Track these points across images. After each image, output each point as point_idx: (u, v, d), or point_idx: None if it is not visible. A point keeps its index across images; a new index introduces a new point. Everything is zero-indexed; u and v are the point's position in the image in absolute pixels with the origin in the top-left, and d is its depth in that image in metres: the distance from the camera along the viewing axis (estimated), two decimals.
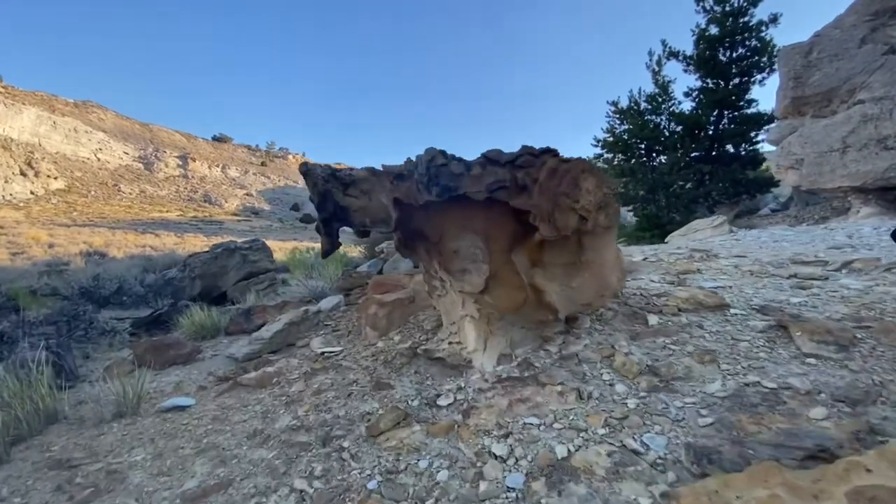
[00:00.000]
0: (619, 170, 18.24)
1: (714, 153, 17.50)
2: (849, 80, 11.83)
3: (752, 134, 16.94)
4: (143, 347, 5.27)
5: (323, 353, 4.68)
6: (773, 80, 17.71)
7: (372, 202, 2.82)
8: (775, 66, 17.42)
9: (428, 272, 4.10)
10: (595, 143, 19.73)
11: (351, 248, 14.95)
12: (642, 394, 2.45)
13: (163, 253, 19.58)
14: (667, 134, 18.08)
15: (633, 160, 19.11)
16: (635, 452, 1.98)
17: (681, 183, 18.06)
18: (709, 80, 18.46)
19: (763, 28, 17.72)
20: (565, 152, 2.33)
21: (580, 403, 2.48)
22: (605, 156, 20.12)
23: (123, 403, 3.78)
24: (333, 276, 7.87)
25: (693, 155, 17.53)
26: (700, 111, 17.30)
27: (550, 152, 2.26)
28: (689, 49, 18.54)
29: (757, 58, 17.66)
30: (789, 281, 4.13)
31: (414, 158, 2.53)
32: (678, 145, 17.88)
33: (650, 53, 19.39)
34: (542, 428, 2.32)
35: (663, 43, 19.22)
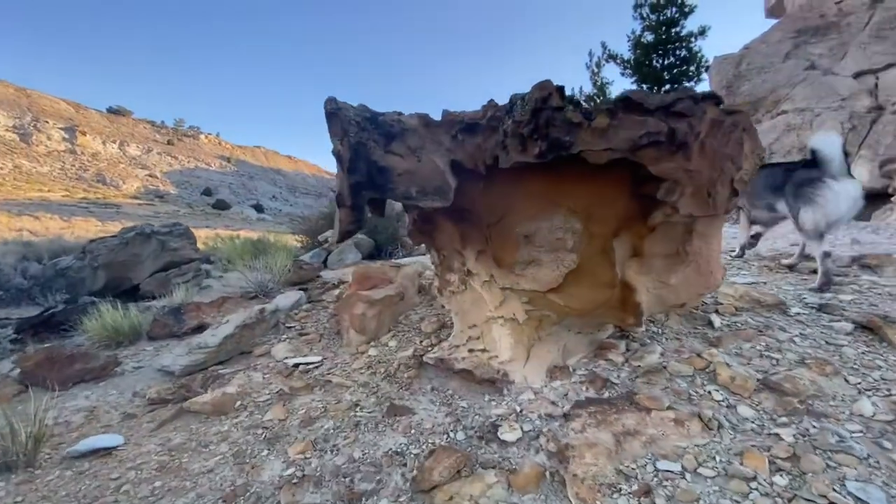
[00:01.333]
0: None
1: None
2: (774, 92, 12.86)
3: None
4: (33, 360, 3.86)
5: (297, 364, 3.70)
6: (702, 88, 19.03)
7: (422, 164, 2.01)
8: (703, 76, 18.64)
9: (443, 263, 3.33)
10: None
11: (282, 235, 13.44)
12: (782, 419, 1.95)
13: (46, 239, 16.27)
14: None
15: None
16: None
17: None
18: (644, 85, 19.30)
19: (692, 39, 18.87)
20: None
21: (712, 436, 1.91)
22: None
23: (11, 450, 2.56)
24: (280, 269, 6.69)
25: None
26: None
27: (713, 98, 1.65)
28: (626, 53, 19.31)
29: (686, 67, 18.79)
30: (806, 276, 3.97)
31: (507, 99, 1.78)
32: None
33: (590, 54, 19.90)
34: (689, 477, 1.71)
35: (603, 45, 19.80)
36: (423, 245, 4.74)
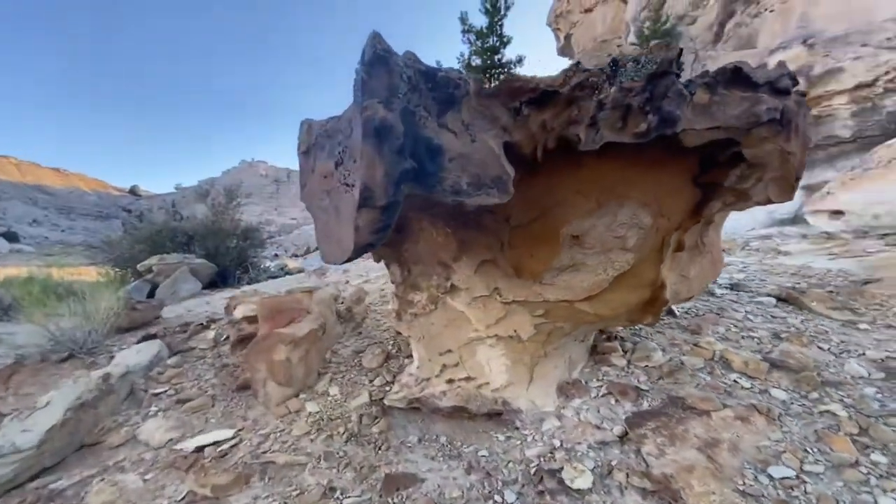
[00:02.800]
0: None
1: None
2: None
3: None
4: None
5: (200, 447, 2.57)
6: None
7: (476, 147, 1.45)
8: None
9: (406, 282, 2.75)
10: None
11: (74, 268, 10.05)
12: (813, 395, 2.06)
13: None
14: None
15: None
16: None
17: None
18: None
19: (512, 66, 21.42)
20: None
21: (779, 427, 1.87)
22: None
23: None
24: (105, 313, 4.86)
25: None
26: None
27: (795, 77, 1.58)
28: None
29: None
30: None
31: (605, 63, 1.39)
32: None
33: None
34: (807, 479, 1.60)
35: (438, 64, 20.94)
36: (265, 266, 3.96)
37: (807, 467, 1.65)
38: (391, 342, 3.51)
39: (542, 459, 2.02)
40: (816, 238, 5.11)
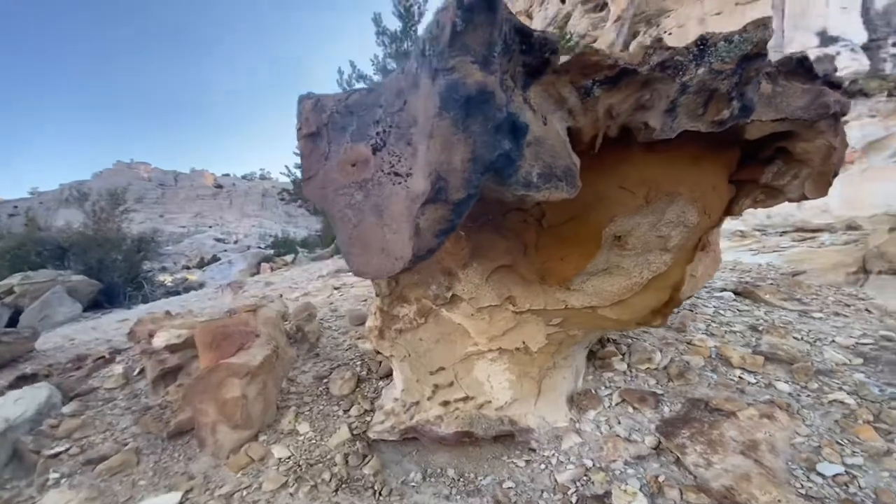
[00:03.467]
0: None
1: None
2: None
3: None
4: None
5: None
6: None
7: (548, 130, 1.19)
8: None
9: (392, 293, 2.42)
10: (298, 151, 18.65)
11: None
12: (813, 385, 2.14)
13: None
14: None
15: None
16: None
17: None
18: None
19: None
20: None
21: (802, 420, 1.90)
22: None
23: None
24: None
25: None
26: None
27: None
28: (373, 75, 20.27)
29: None
30: None
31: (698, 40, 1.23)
32: None
33: (340, 72, 20.08)
34: (856, 473, 1.60)
35: (352, 64, 20.32)
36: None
37: (847, 460, 1.67)
38: (358, 363, 3.10)
39: (578, 484, 1.82)
40: (732, 235, 5.71)
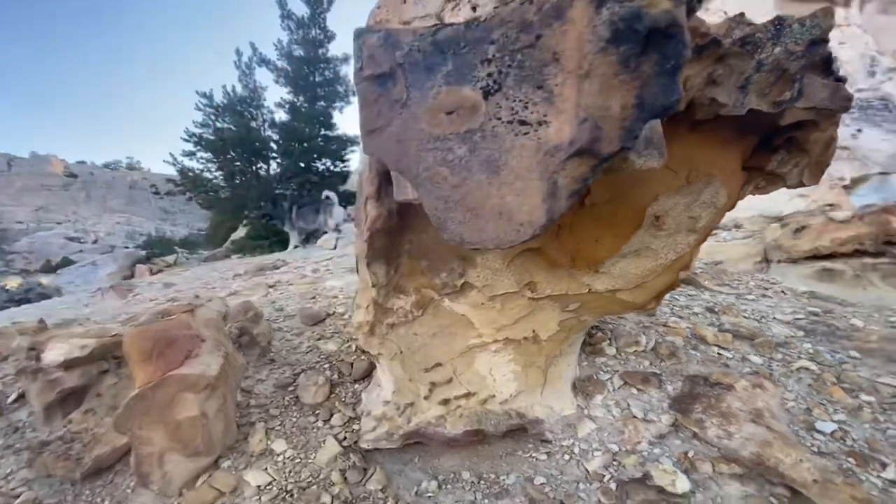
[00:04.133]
0: (227, 172, 16.11)
1: (312, 167, 18.61)
2: None
3: (343, 153, 19.31)
4: None
5: None
6: (352, 109, 21.06)
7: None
8: (350, 99, 20.64)
9: (389, 283, 2.19)
10: (189, 138, 16.55)
11: None
12: (778, 356, 2.40)
13: None
14: (272, 142, 17.71)
15: (238, 163, 17.52)
16: None
17: (285, 192, 18.14)
18: (301, 97, 19.53)
19: (338, 63, 20.54)
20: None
21: (785, 387, 2.11)
22: (201, 154, 17.28)
23: None
24: None
25: (296, 166, 17.90)
26: (298, 124, 17.92)
27: None
28: (277, 60, 18.80)
29: (336, 87, 20.25)
30: None
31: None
32: (279, 154, 17.87)
33: (238, 53, 18.31)
34: (850, 426, 1.80)
35: (253, 47, 18.62)
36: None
37: (835, 417, 1.88)
38: (326, 367, 2.74)
39: (612, 470, 1.79)
40: None
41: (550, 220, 0.94)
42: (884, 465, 1.58)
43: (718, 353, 2.43)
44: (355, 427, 2.28)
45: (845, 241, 3.73)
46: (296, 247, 12.15)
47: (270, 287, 4.34)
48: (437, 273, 2.07)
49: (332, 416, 2.34)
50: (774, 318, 2.87)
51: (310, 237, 13.14)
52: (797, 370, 2.24)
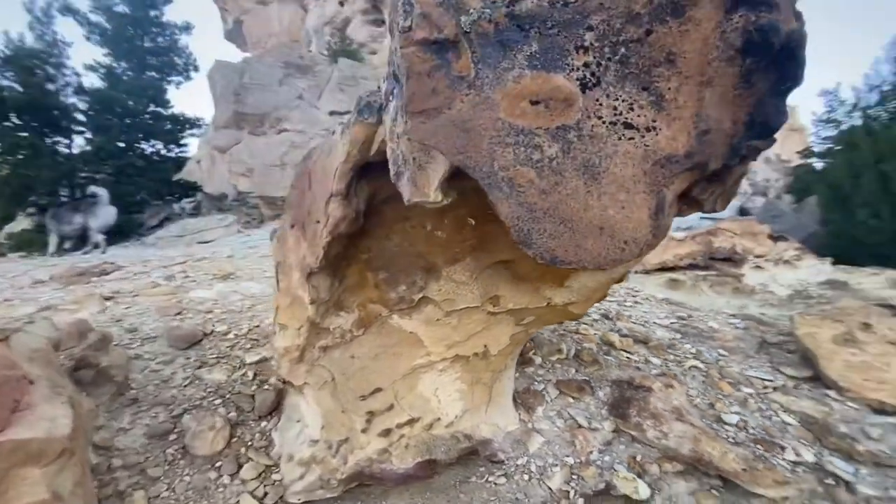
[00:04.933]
0: (8, 144, 12.22)
1: (136, 148, 15.40)
2: (276, 110, 14.53)
3: (179, 135, 16.47)
4: None
5: None
6: (192, 87, 18.09)
7: None
8: (193, 73, 17.82)
9: (331, 299, 1.88)
10: None
11: None
12: (671, 357, 2.77)
13: None
14: (77, 111, 14.06)
15: (24, 133, 13.52)
16: None
17: (99, 176, 14.66)
18: (124, 63, 16.19)
19: (177, 32, 17.55)
20: None
21: (687, 383, 2.42)
22: None
23: None
24: None
25: (114, 146, 14.56)
26: (118, 94, 14.59)
27: None
28: (90, 14, 15.19)
29: (173, 57, 17.26)
30: None
31: None
32: (91, 129, 14.34)
33: None
34: (744, 411, 2.13)
35: None
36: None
37: (733, 409, 2.22)
38: (219, 402, 2.18)
39: (573, 485, 1.79)
40: None
41: (655, 238, 0.84)
42: (783, 448, 1.91)
43: (627, 358, 2.68)
44: (275, 477, 1.84)
45: (683, 256, 4.58)
46: (52, 254, 9.38)
47: (108, 299, 3.31)
48: (395, 286, 1.80)
49: (240, 467, 1.85)
50: (655, 322, 3.33)
51: (65, 241, 10.02)
52: (689, 368, 2.60)
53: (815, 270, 4.61)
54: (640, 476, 1.81)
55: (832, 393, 2.33)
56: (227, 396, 2.23)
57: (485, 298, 1.89)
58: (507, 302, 1.92)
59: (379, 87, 1.22)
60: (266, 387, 2.33)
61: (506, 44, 0.86)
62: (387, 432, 2.02)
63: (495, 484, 1.86)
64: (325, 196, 1.44)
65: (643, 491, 1.72)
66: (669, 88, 0.84)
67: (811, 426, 2.09)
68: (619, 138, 0.85)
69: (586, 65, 0.85)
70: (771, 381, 2.48)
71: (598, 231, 0.86)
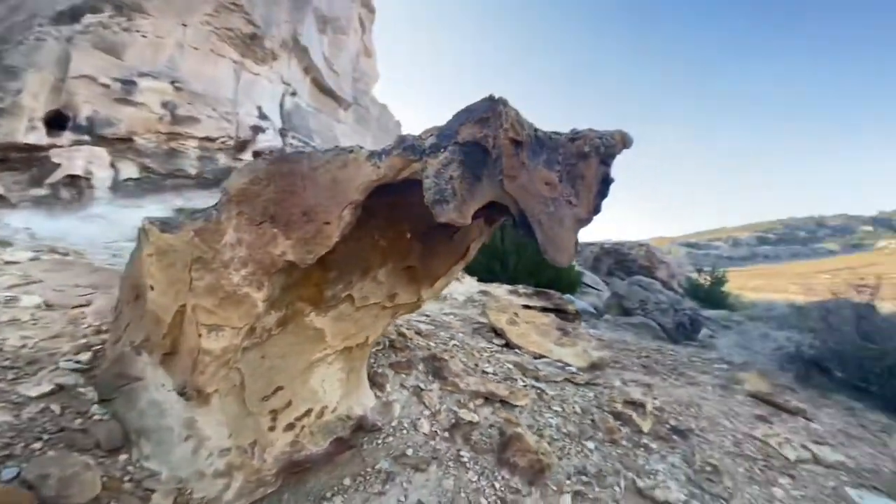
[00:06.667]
0: None
1: None
2: None
3: None
4: None
5: None
6: None
7: None
8: None
9: (275, 295, 2.05)
10: None
11: None
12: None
13: None
14: None
15: None
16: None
17: None
18: None
19: None
20: None
21: (459, 356, 3.61)
22: None
23: None
24: None
25: None
26: None
27: None
28: None
29: None
30: None
31: None
32: None
33: None
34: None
35: None
36: None
37: (485, 365, 3.51)
38: (79, 426, 1.62)
39: (436, 427, 2.55)
40: None
41: (576, 252, 1.84)
42: (515, 380, 3.32)
43: (419, 343, 3.62)
44: (189, 500, 1.66)
45: None
46: None
47: None
48: (335, 285, 2.10)
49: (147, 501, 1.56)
50: (416, 321, 4.43)
51: None
52: (453, 347, 3.81)
53: (471, 285, 7.06)
54: (476, 411, 2.77)
55: (517, 350, 4.08)
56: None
57: (387, 295, 2.40)
58: (401, 298, 2.50)
59: (422, 137, 1.70)
60: (96, 417, 1.85)
61: (535, 151, 1.68)
62: (290, 427, 2.15)
63: (386, 443, 2.36)
64: (341, 202, 1.67)
65: (473, 416, 2.69)
66: (579, 187, 1.89)
67: (517, 367, 3.67)
68: (569, 207, 1.82)
69: (558, 171, 1.79)
70: (490, 347, 4.03)
71: (566, 251, 1.78)
